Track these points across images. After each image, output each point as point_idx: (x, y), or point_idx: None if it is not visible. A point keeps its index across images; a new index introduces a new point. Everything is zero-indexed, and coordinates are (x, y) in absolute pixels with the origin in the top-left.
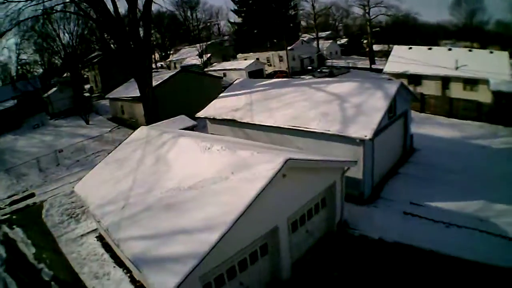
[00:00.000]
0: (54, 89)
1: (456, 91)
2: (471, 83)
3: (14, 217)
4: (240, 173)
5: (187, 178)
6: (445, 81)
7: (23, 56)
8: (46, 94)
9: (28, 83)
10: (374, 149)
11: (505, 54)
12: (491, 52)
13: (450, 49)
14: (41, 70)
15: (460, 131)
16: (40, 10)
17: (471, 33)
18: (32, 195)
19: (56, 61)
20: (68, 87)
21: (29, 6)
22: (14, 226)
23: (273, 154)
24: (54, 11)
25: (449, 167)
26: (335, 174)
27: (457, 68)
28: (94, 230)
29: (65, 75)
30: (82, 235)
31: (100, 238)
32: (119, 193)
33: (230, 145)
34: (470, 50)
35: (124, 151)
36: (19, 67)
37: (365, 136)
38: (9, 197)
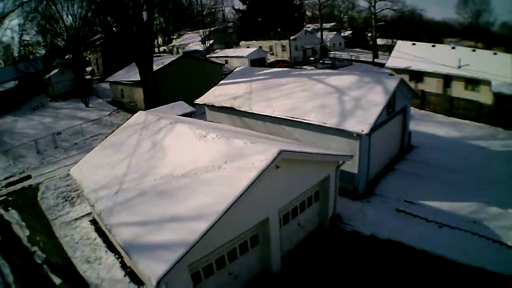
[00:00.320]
0: (55, 71)
1: (457, 90)
2: (472, 83)
3: (10, 199)
4: (234, 163)
5: (181, 166)
6: (447, 79)
7: (26, 37)
8: (47, 76)
9: (29, 64)
10: (371, 144)
11: (509, 56)
12: (495, 54)
13: (453, 48)
14: (43, 52)
15: (459, 131)
16: None
17: (476, 33)
18: (28, 177)
19: (59, 43)
20: (69, 69)
21: None
22: (9, 208)
23: (267, 145)
24: None
25: (446, 167)
26: (330, 168)
27: (459, 67)
28: (88, 214)
29: (67, 57)
30: (76, 219)
31: (94, 222)
32: (114, 178)
33: (225, 133)
34: (473, 50)
35: (120, 135)
36: (21, 48)
37: (362, 131)
38: (5, 178)
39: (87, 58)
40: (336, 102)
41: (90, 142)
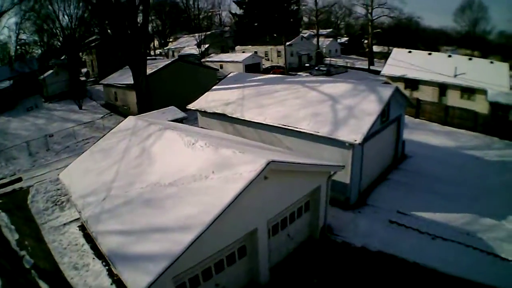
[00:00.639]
0: (50, 71)
1: (453, 99)
2: (468, 92)
3: (0, 201)
4: (221, 173)
5: (168, 174)
6: (443, 88)
7: (23, 36)
8: (42, 76)
9: (25, 64)
10: (364, 154)
11: (506, 65)
12: (492, 62)
13: (450, 56)
14: (40, 51)
15: (454, 140)
16: None
17: (473, 41)
18: (19, 179)
19: (56, 43)
20: (64, 70)
21: None
22: None
23: (255, 155)
24: None
25: (440, 177)
26: (321, 178)
27: (455, 75)
28: (77, 219)
29: (63, 57)
30: (64, 224)
31: (82, 228)
32: (102, 184)
33: (214, 141)
34: (470, 59)
35: (110, 140)
36: (18, 47)
37: (355, 140)
38: None
39: (83, 59)
40: (329, 110)
41: (81, 145)
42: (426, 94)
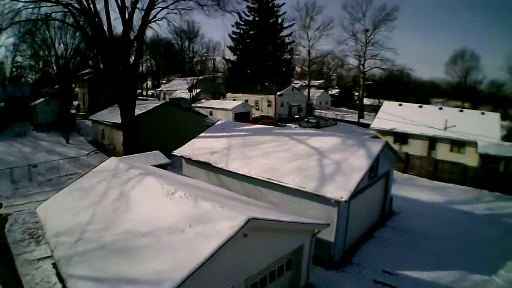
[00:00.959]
0: (42, 99)
1: (443, 152)
2: (458, 144)
3: None
4: (199, 227)
5: (144, 223)
6: (432, 141)
7: (19, 59)
8: (33, 103)
9: (17, 88)
10: (350, 211)
11: (497, 115)
12: (483, 113)
13: (441, 108)
14: (34, 77)
15: (443, 195)
16: (38, 15)
17: (464, 92)
18: None
19: (51, 71)
20: (56, 100)
21: (27, 8)
22: None
23: (235, 211)
24: (50, 18)
25: (428, 234)
26: (305, 236)
27: (446, 128)
28: (51, 256)
29: (56, 87)
30: (39, 259)
31: (56, 266)
32: (76, 225)
33: (195, 192)
34: (461, 110)
35: (90, 180)
36: (14, 69)
37: (341, 198)
38: None
39: (75, 91)
40: (316, 165)
41: (64, 180)
42: (416, 148)
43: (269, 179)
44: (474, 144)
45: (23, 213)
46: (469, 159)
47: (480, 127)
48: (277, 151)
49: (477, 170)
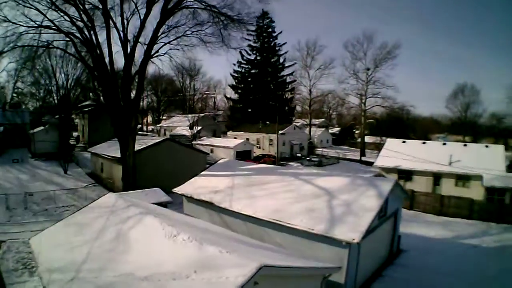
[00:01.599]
0: (41, 128)
1: (448, 187)
2: (463, 179)
3: None
4: (204, 273)
5: (144, 266)
6: (437, 177)
7: (20, 85)
8: (32, 131)
9: (17, 115)
10: (360, 252)
11: (501, 147)
12: (487, 146)
13: (444, 144)
14: (35, 105)
15: (450, 230)
16: (39, 41)
17: (464, 126)
18: None
19: (51, 100)
20: (55, 130)
21: (29, 33)
22: None
23: (245, 257)
24: (51, 46)
25: (437, 270)
26: (315, 281)
27: (450, 163)
28: None
29: (57, 116)
30: None
31: None
32: (71, 262)
33: (199, 234)
34: (465, 145)
35: (87, 215)
36: (14, 95)
37: (353, 240)
38: None
39: (75, 123)
40: (325, 206)
41: (61, 211)
42: (420, 185)
43: (276, 220)
44: (479, 177)
45: (17, 242)
46: (475, 192)
47: (485, 160)
48: (283, 191)
49: (483, 204)
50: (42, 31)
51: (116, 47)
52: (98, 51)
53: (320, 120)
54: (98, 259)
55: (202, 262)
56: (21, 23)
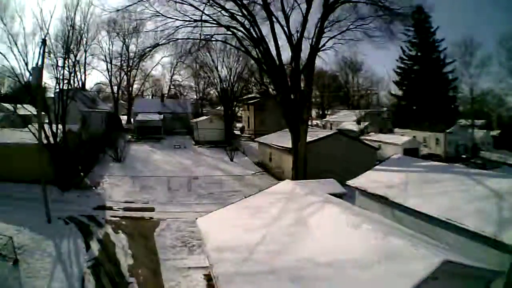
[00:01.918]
0: (204, 118)
1: None
2: None
3: (123, 222)
4: (388, 264)
5: (324, 252)
6: None
7: (178, 77)
8: (194, 120)
9: (178, 105)
10: None
11: None
12: None
13: None
14: (195, 96)
15: None
16: (201, 34)
17: None
18: (151, 209)
19: (212, 92)
20: (219, 120)
21: (186, 27)
22: (119, 231)
23: (428, 251)
24: (213, 39)
25: None
26: (478, 285)
27: None
28: (205, 268)
29: (218, 108)
30: (189, 268)
31: (209, 278)
32: (244, 244)
33: (383, 227)
34: None
35: (261, 200)
36: (172, 87)
37: None
38: (126, 202)
39: (239, 114)
40: (496, 209)
41: (227, 196)
42: None
43: (448, 219)
44: None
45: (177, 221)
46: None
47: None
48: (455, 191)
49: None
50: (199, 25)
51: (280, 41)
52: (264, 44)
53: (481, 121)
54: (275, 242)
55: (386, 253)
56: (177, 17)
